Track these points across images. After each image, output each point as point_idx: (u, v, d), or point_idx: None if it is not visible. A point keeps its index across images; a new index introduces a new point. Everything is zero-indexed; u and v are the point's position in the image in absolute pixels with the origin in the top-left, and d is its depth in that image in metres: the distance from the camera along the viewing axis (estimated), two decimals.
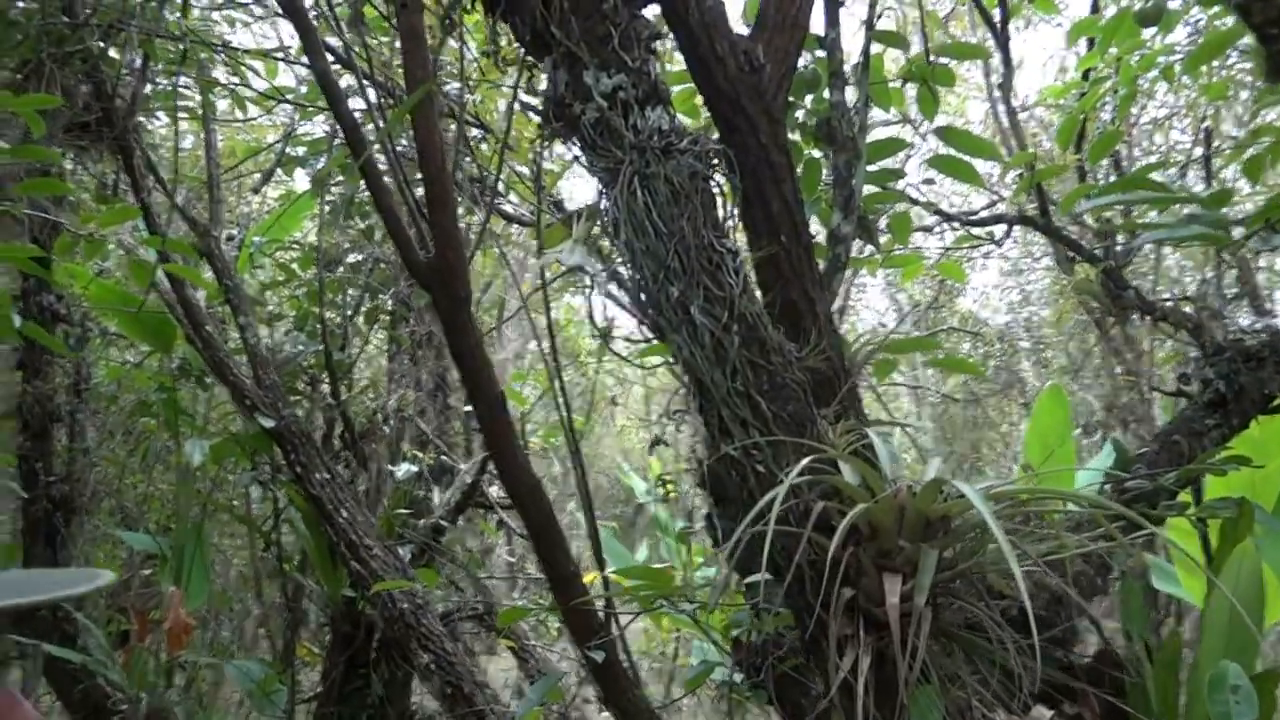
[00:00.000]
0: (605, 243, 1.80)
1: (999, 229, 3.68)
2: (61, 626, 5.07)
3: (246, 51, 4.45)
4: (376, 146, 3.01)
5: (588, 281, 1.90)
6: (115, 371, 6.47)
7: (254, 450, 5.42)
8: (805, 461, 1.45)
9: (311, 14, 3.10)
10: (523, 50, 1.89)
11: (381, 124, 3.07)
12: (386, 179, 3.38)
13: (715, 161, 1.75)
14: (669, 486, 3.77)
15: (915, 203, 3.29)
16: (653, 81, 1.80)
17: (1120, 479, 2.80)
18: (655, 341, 2.08)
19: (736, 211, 1.79)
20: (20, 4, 4.43)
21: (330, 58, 3.55)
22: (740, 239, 1.83)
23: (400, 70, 3.62)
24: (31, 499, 5.34)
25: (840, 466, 1.61)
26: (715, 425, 1.65)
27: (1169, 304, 3.09)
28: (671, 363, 1.94)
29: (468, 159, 4.01)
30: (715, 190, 1.77)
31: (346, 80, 3.80)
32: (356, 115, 3.21)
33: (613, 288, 4.71)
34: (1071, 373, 7.18)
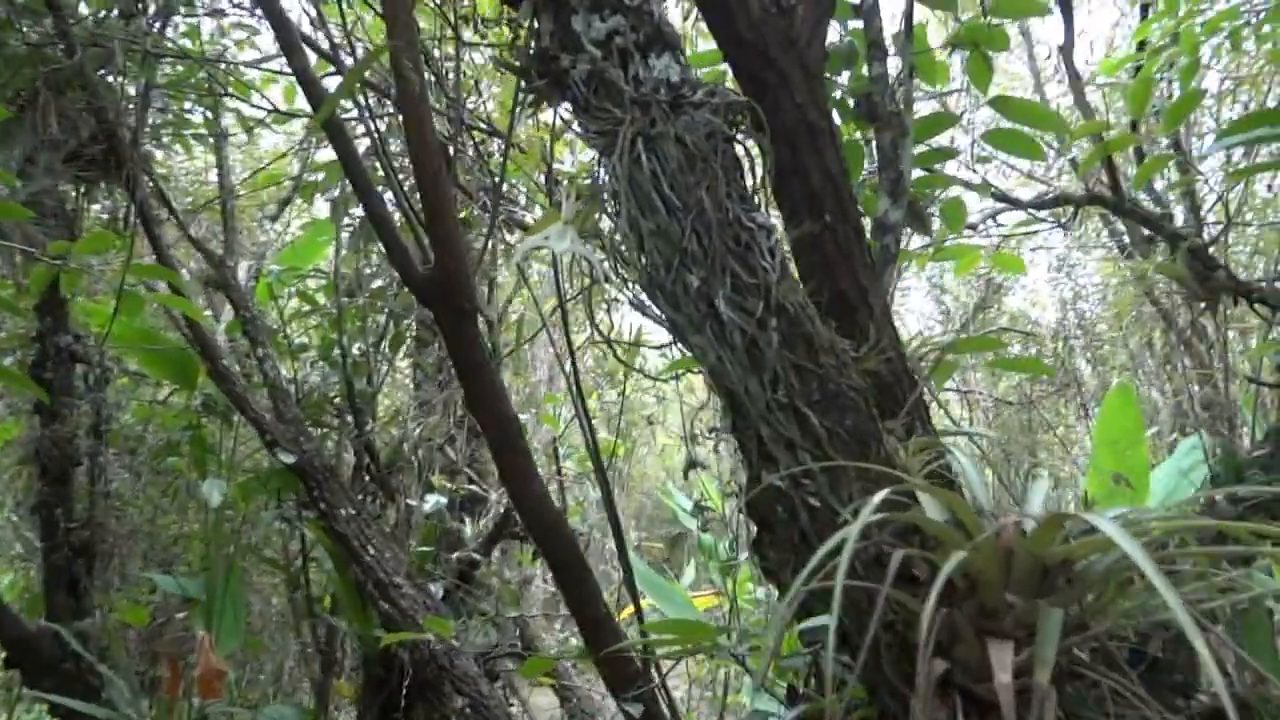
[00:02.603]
0: (607, 224, 1.42)
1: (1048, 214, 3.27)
2: (85, 678, 4.76)
3: (245, 64, 4.14)
4: (365, 143, 2.66)
5: (588, 272, 1.52)
6: (142, 411, 6.20)
7: (278, 488, 5.12)
8: (883, 494, 1.05)
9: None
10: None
11: (371, 122, 2.72)
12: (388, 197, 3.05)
13: (738, 118, 1.37)
14: (708, 513, 3.38)
15: (969, 186, 2.88)
16: (656, 23, 1.42)
17: (1233, 488, 2.36)
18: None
19: (766, 178, 1.41)
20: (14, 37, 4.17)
21: (318, 58, 3.23)
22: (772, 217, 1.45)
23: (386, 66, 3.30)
24: (51, 547, 5.06)
25: (919, 497, 1.22)
26: (754, 448, 1.27)
27: (1264, 284, 2.66)
28: (697, 372, 1.56)
29: (476, 164, 3.67)
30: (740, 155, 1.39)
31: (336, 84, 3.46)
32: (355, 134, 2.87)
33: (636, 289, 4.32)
34: (1132, 370, 6.67)
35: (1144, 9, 4.44)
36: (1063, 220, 3.25)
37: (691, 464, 3.06)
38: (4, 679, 5.95)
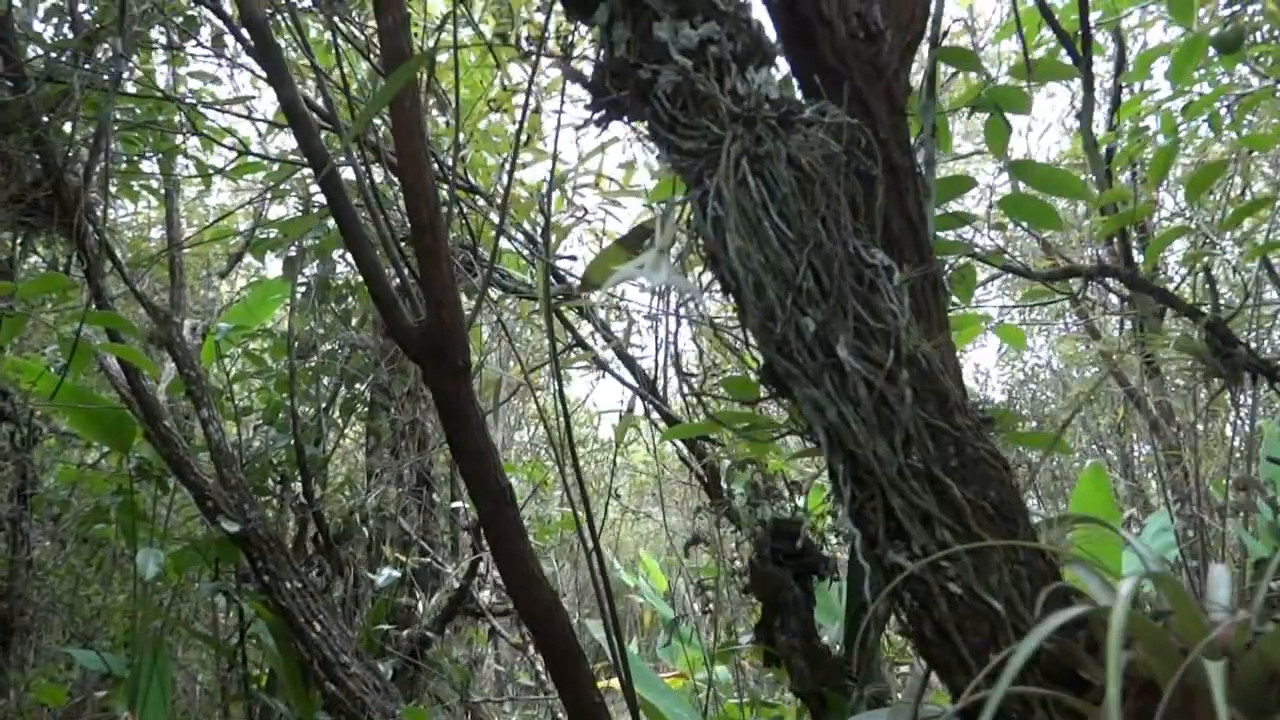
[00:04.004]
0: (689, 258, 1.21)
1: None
2: None
3: (208, 104, 3.88)
4: (351, 178, 2.42)
5: (676, 306, 1.30)
6: (69, 474, 5.76)
7: (217, 558, 4.74)
8: (1130, 584, 0.83)
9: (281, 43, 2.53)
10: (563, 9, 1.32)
11: (360, 167, 2.49)
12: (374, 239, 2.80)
13: (855, 142, 1.17)
14: (708, 593, 3.12)
15: (979, 257, 2.74)
16: (755, 33, 1.23)
17: None
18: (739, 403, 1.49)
19: (875, 214, 1.21)
20: None
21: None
22: None
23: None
24: None
25: (1088, 584, 1.02)
26: (879, 522, 1.05)
27: None
28: (794, 431, 1.35)
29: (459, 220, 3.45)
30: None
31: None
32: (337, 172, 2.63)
33: (616, 365, 4.09)
34: (1086, 451, 6.63)
35: (1116, 93, 4.44)
36: (1076, 292, 3.13)
37: (694, 540, 2.84)
38: None
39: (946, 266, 2.83)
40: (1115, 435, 6.49)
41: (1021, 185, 2.72)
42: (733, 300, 1.15)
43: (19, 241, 4.76)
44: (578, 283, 3.11)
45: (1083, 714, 0.97)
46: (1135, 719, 0.88)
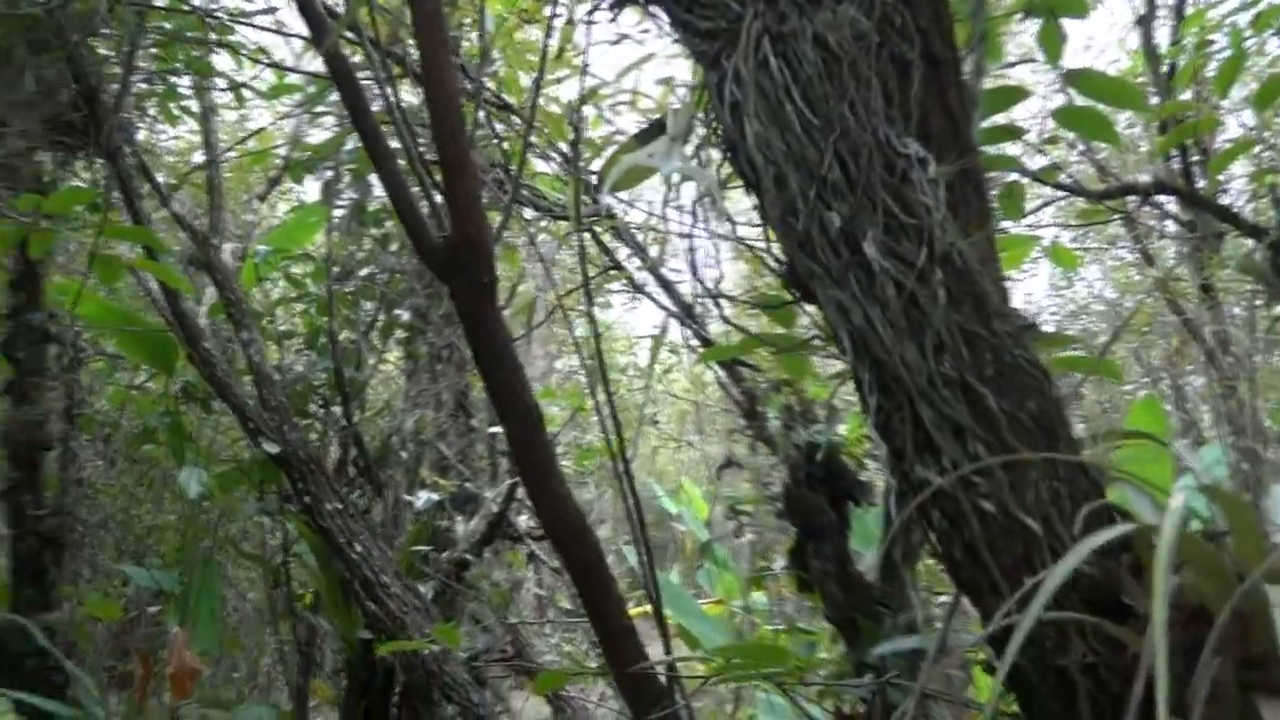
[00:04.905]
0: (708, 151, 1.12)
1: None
2: (50, 676, 4.40)
3: (235, 19, 3.78)
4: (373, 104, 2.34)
5: (693, 197, 1.21)
6: (119, 395, 5.82)
7: (262, 479, 4.78)
8: (1180, 499, 0.74)
9: None
10: None
11: (382, 74, 2.40)
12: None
13: (889, 22, 1.06)
14: (741, 516, 3.07)
15: (1030, 174, 2.60)
16: None
17: None
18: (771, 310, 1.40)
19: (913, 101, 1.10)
20: None
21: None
22: None
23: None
24: (19, 535, 4.68)
25: (1134, 502, 0.94)
26: (906, 434, 0.96)
27: None
28: (824, 349, 1.26)
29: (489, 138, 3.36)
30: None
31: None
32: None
33: (652, 287, 4.00)
34: (1143, 385, 6.44)
35: (1180, 5, 4.20)
36: (1131, 212, 2.98)
37: (728, 462, 2.78)
38: None
39: (994, 183, 2.70)
40: (1169, 367, 6.30)
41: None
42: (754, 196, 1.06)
43: (59, 162, 4.74)
44: (610, 201, 3.02)
45: (1125, 644, 0.89)
46: (1183, 649, 0.80)
